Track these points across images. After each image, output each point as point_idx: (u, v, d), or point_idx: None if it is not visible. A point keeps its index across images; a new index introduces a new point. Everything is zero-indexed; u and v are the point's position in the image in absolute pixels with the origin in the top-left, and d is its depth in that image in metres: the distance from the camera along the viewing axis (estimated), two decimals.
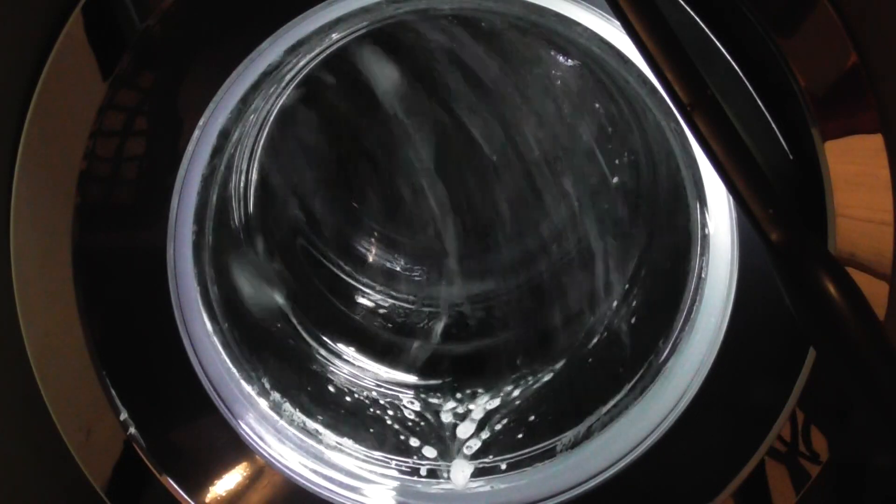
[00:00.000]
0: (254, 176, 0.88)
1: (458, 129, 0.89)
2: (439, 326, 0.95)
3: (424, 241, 0.96)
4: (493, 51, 0.86)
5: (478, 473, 0.77)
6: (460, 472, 0.77)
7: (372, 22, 0.75)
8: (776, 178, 0.55)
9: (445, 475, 0.78)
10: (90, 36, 0.59)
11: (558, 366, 0.87)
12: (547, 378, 0.87)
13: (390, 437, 0.81)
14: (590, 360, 0.86)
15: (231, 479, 0.72)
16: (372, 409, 0.85)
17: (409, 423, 0.84)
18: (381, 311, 0.97)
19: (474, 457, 0.79)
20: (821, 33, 0.56)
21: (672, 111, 0.57)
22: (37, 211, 0.62)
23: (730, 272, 0.64)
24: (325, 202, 0.94)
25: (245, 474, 0.72)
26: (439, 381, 0.90)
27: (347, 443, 0.79)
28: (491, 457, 0.79)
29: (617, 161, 0.89)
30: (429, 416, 0.85)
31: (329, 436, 0.79)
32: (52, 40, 0.58)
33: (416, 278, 0.98)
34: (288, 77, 0.80)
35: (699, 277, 0.70)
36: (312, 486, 0.74)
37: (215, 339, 0.73)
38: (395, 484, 0.78)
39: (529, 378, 0.88)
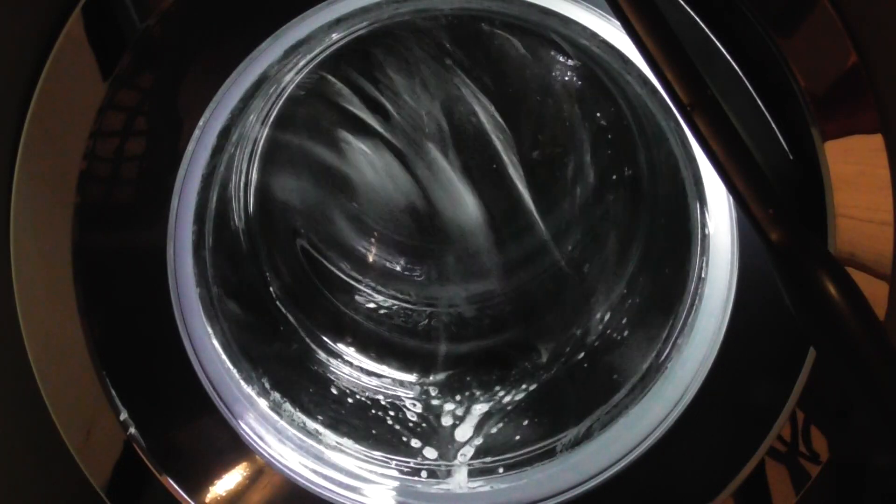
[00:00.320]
0: (254, 176, 0.88)
1: (458, 129, 0.89)
2: (440, 327, 0.95)
3: (423, 240, 0.96)
4: (493, 51, 0.86)
5: (478, 474, 0.77)
6: (460, 472, 0.77)
7: (372, 22, 0.75)
8: (776, 178, 0.55)
9: (446, 475, 0.78)
10: (90, 36, 0.59)
11: (558, 366, 0.87)
12: (547, 378, 0.87)
13: (391, 438, 0.81)
14: (590, 360, 0.86)
15: (231, 479, 0.71)
16: (373, 410, 0.85)
17: (410, 424, 0.84)
18: (382, 311, 0.97)
19: (474, 457, 0.79)
20: (821, 33, 0.56)
21: (672, 111, 0.57)
22: (37, 211, 0.62)
23: (730, 272, 0.64)
24: (325, 202, 0.94)
25: (245, 474, 0.72)
26: (439, 382, 0.90)
27: (347, 443, 0.79)
28: (491, 457, 0.78)
29: (617, 161, 0.89)
30: (429, 416, 0.85)
31: (329, 436, 0.79)
32: (52, 40, 0.58)
33: (417, 278, 0.98)
34: (288, 77, 0.80)
35: (699, 277, 0.70)
36: (312, 486, 0.73)
37: (215, 340, 0.73)
38: (395, 484, 0.77)
39: (529, 378, 0.88)
